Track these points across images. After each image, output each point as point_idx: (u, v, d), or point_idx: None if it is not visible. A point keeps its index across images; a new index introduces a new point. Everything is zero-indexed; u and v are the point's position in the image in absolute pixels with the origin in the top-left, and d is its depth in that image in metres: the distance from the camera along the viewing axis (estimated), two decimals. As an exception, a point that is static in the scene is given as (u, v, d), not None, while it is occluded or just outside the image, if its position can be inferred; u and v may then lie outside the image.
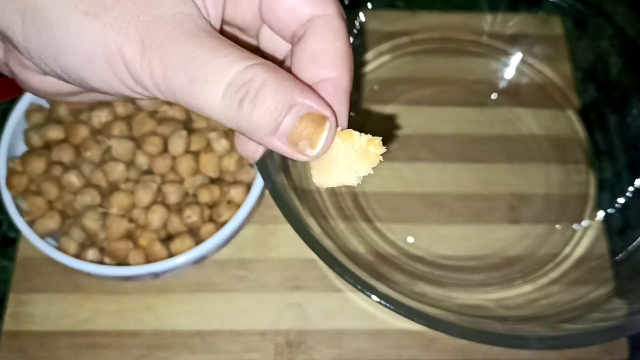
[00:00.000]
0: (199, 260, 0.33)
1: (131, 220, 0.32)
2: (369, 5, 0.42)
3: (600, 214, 0.38)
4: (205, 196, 0.33)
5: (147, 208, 0.32)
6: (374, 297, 0.27)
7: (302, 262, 0.36)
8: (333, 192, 0.38)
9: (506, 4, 0.44)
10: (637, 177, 0.40)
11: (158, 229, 0.33)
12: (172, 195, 0.33)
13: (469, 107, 0.41)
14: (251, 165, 0.35)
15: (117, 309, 0.34)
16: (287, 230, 0.36)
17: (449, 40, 0.43)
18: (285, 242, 0.36)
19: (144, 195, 0.32)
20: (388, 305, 0.27)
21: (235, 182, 0.35)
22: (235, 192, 0.34)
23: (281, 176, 0.31)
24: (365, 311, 0.35)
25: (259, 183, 0.33)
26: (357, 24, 0.42)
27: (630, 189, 0.39)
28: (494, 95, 0.42)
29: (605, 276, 0.35)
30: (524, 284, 0.36)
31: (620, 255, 0.37)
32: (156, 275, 0.33)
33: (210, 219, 0.34)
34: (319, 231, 0.31)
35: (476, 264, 0.37)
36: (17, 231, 0.37)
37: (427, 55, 0.42)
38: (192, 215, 0.33)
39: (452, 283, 0.36)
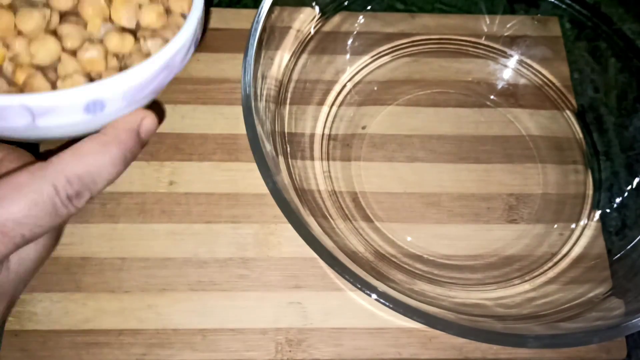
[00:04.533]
0: (97, 109, 0.25)
1: (7, 47, 0.26)
2: (368, 7, 0.42)
3: (598, 214, 0.39)
4: (114, 42, 0.27)
5: (31, 37, 0.26)
6: (373, 295, 0.27)
7: (302, 261, 0.36)
8: (333, 192, 0.38)
9: (504, 5, 0.45)
10: (635, 177, 0.40)
11: (44, 66, 0.26)
12: (70, 38, 0.26)
13: (468, 107, 0.41)
14: (178, 27, 0.29)
15: (119, 307, 0.34)
16: (288, 229, 0.36)
17: (447, 42, 0.43)
18: (286, 241, 0.37)
19: (29, 19, 0.25)
20: (387, 303, 0.27)
21: (155, 36, 0.28)
22: (154, 45, 0.28)
23: (281, 176, 0.31)
24: (364, 310, 0.35)
25: (192, 21, 0.28)
26: (356, 25, 0.42)
27: (628, 188, 0.40)
28: (492, 96, 0.42)
29: (603, 276, 0.36)
30: (522, 283, 0.36)
31: (617, 254, 0.37)
32: (34, 115, 0.24)
33: (119, 69, 0.27)
34: (319, 230, 0.31)
35: (475, 263, 0.37)
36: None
37: (426, 57, 0.43)
38: (91, 51, 0.26)
39: (451, 282, 0.36)
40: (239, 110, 0.41)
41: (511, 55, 0.43)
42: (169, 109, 0.40)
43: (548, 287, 0.35)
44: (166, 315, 0.35)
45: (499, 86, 0.42)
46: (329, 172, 0.38)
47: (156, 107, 0.38)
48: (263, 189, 0.38)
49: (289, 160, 0.36)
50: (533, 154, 0.40)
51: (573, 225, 0.38)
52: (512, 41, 0.43)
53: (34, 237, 0.25)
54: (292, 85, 0.38)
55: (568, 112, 0.42)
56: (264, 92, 0.33)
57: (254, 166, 0.38)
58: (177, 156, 0.38)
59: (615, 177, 0.42)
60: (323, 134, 0.40)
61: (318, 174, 0.38)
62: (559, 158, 0.40)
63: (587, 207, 0.39)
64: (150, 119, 0.28)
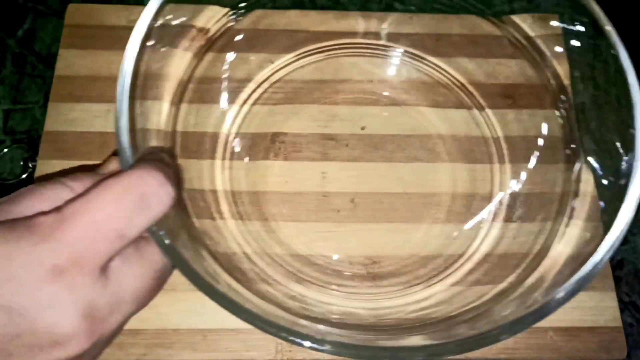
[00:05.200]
0: None
1: None
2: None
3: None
4: None
5: None
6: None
7: (302, 259, 0.36)
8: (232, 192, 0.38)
9: (503, 4, 0.44)
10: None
11: None
12: None
13: (465, 109, 0.41)
14: None
15: (119, 307, 0.35)
16: (288, 227, 0.36)
17: (446, 41, 0.43)
18: (287, 238, 0.37)
19: None
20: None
21: None
22: None
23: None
24: (364, 309, 0.35)
25: None
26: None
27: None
28: (490, 96, 0.42)
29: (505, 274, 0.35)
30: (427, 288, 0.35)
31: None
32: None
33: None
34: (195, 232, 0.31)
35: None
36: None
37: (425, 56, 0.43)
38: None
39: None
40: (275, 109, 0.41)
41: (510, 55, 0.43)
42: (209, 108, 0.40)
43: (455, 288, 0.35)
44: (166, 315, 0.34)
45: (498, 86, 0.42)
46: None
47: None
48: (263, 187, 0.38)
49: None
50: (530, 154, 0.40)
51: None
52: (511, 40, 0.43)
53: (130, 235, 0.23)
54: (191, 86, 0.38)
55: (567, 111, 0.42)
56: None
57: (253, 165, 0.39)
58: (214, 155, 0.39)
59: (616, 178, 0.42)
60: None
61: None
62: (558, 158, 0.40)
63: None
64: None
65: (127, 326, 0.34)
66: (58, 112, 0.39)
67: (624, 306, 0.39)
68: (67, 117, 0.39)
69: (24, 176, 0.39)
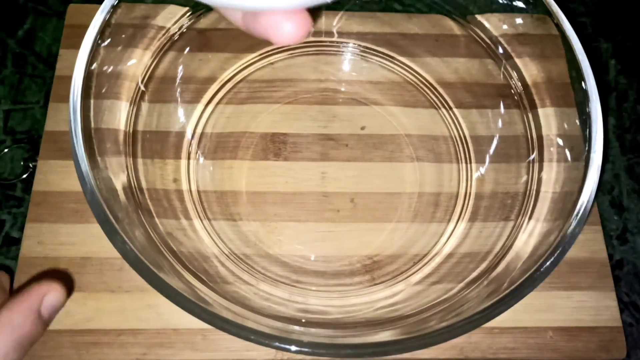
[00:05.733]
0: None
1: None
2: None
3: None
4: None
5: None
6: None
7: (302, 258, 0.36)
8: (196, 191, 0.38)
9: (503, 3, 0.45)
10: (635, 179, 0.40)
11: None
12: None
13: (464, 109, 0.41)
14: None
15: (119, 307, 0.34)
16: (288, 227, 0.36)
17: (443, 40, 0.43)
18: (286, 238, 0.37)
19: None
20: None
21: None
22: None
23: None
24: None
25: None
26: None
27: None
28: (489, 97, 0.42)
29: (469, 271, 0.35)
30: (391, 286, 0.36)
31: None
32: None
33: None
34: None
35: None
36: (20, 231, 0.37)
37: (424, 56, 0.43)
38: None
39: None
40: (240, 109, 0.41)
41: (509, 54, 0.43)
42: (170, 107, 0.40)
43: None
44: (166, 315, 0.34)
45: (496, 86, 0.42)
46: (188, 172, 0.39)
47: (65, 277, 0.35)
48: (263, 187, 0.38)
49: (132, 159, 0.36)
50: (524, 153, 0.40)
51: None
52: (510, 39, 0.43)
53: None
54: (152, 85, 0.37)
55: (530, 111, 0.42)
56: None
57: (254, 164, 0.39)
58: (179, 154, 0.39)
59: (617, 179, 0.42)
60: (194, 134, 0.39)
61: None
62: (521, 157, 0.40)
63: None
64: (54, 294, 0.24)
65: (128, 326, 0.34)
66: (58, 112, 0.39)
67: (623, 306, 0.39)
68: (67, 117, 0.39)
69: (24, 176, 0.39)
